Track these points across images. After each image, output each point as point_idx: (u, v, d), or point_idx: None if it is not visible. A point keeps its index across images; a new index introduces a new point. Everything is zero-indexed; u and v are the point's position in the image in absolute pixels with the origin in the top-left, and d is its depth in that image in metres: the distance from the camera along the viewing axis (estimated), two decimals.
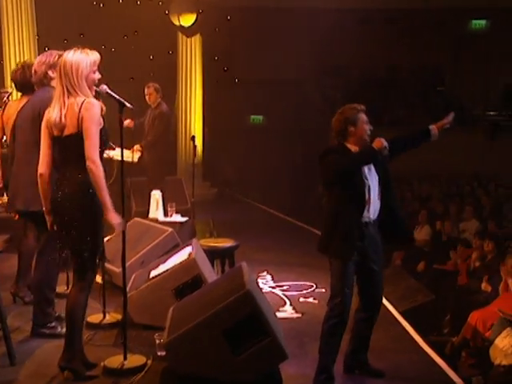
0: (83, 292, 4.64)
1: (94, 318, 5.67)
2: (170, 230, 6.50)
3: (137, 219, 7.08)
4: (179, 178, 10.57)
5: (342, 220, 4.91)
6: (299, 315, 6.98)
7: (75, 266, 4.67)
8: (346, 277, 4.94)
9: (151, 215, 8.21)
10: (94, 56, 4.64)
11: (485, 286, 8.92)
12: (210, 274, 5.63)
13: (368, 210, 4.93)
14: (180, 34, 13.76)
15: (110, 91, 4.84)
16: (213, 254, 6.14)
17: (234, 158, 16.89)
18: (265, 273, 8.50)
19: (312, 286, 8.00)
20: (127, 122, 9.04)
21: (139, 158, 8.96)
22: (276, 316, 4.78)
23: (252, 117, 20.19)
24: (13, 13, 12.13)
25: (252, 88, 17.73)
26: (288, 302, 7.37)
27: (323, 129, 17.68)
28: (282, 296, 7.60)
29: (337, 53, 19.27)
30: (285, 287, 7.95)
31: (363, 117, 4.97)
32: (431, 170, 16.32)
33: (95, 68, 4.65)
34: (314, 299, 7.48)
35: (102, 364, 4.75)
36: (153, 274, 5.48)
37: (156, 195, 8.31)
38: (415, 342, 6.37)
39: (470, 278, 9.54)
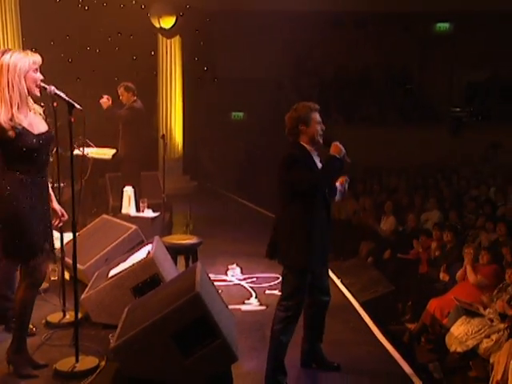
0: (28, 290, 4.32)
1: (54, 316, 5.30)
2: (134, 227, 6.14)
3: (105, 216, 6.72)
4: (155, 174, 10.20)
5: (311, 232, 4.63)
6: (263, 307, 6.70)
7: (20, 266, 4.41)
8: (304, 284, 4.70)
9: (124, 211, 7.88)
10: (34, 57, 4.26)
11: (443, 276, 8.64)
12: (171, 271, 5.30)
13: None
14: (160, 36, 13.39)
15: (58, 92, 4.46)
16: (176, 251, 5.77)
17: (214, 152, 16.57)
18: (234, 265, 8.19)
19: (278, 278, 7.65)
20: (102, 101, 8.60)
21: (114, 155, 8.57)
22: (229, 313, 4.39)
23: (233, 113, 19.79)
24: None
25: (232, 86, 17.35)
26: (254, 295, 7.09)
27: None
28: (249, 288, 7.30)
29: (312, 53, 19.00)
30: (252, 279, 7.62)
31: (316, 116, 4.66)
32: (399, 163, 16.00)
33: (35, 67, 4.25)
34: (279, 291, 7.13)
35: (53, 366, 4.37)
36: (112, 272, 5.11)
37: (128, 191, 7.96)
38: (373, 333, 6.12)
39: (430, 266, 9.25)
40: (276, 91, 18.57)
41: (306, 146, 4.61)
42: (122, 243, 5.87)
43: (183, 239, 5.95)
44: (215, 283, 7.45)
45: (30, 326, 5.05)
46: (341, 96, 18.72)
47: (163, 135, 9.29)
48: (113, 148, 8.79)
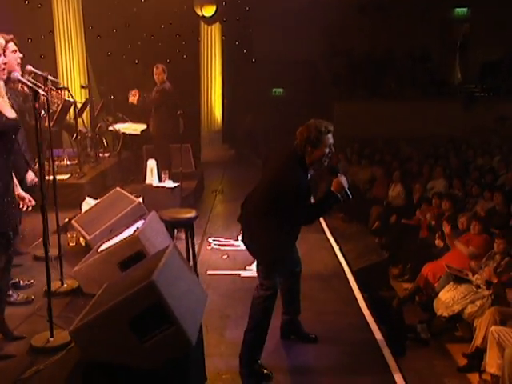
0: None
1: (52, 285, 4.82)
2: (138, 201, 5.61)
3: (117, 189, 6.17)
4: (187, 146, 9.62)
5: (286, 244, 4.23)
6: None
7: None
8: (278, 266, 4.19)
9: (147, 181, 7.41)
10: None
11: (438, 242, 7.87)
12: (162, 246, 4.69)
13: None
14: (202, 23, 12.70)
15: (21, 78, 3.89)
16: (172, 225, 5.19)
17: (251, 123, 15.91)
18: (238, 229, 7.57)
19: None
20: (131, 99, 8.20)
21: (145, 131, 8.05)
22: (199, 293, 3.78)
23: (274, 89, 18.99)
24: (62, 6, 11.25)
25: (270, 67, 16.53)
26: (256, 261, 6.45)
27: (329, 101, 16.79)
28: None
29: (341, 37, 18.04)
30: None
31: (327, 139, 3.88)
32: (415, 134, 15.02)
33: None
34: None
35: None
36: (102, 247, 4.59)
37: (151, 164, 7.43)
38: (358, 304, 5.43)
39: (430, 232, 8.50)
40: (310, 70, 17.63)
41: (308, 164, 3.92)
42: (126, 216, 5.34)
43: (180, 213, 5.35)
44: (224, 248, 6.95)
45: (30, 295, 4.64)
46: (366, 74, 17.70)
47: (181, 113, 8.56)
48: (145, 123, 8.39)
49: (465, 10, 18.29)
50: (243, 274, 6.02)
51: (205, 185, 10.28)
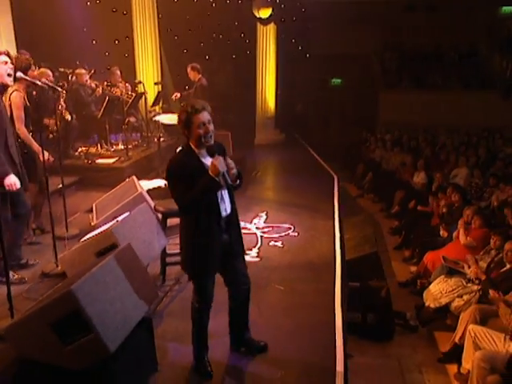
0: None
1: (48, 267, 4.50)
2: (139, 191, 5.13)
3: (133, 177, 5.72)
4: (227, 133, 9.04)
5: (200, 243, 3.16)
6: (257, 260, 5.45)
7: None
8: (207, 282, 3.29)
9: None
10: None
11: (442, 232, 6.95)
12: (145, 237, 4.23)
13: (222, 212, 3.19)
14: (258, 24, 11.93)
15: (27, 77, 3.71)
16: (165, 216, 4.68)
17: (302, 110, 15.09)
18: (264, 213, 6.96)
19: (290, 229, 6.38)
20: (174, 96, 7.77)
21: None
22: (142, 295, 3.24)
23: (332, 80, 17.89)
24: (140, 13, 10.92)
25: (328, 59, 15.47)
26: (258, 245, 5.84)
27: (377, 91, 15.60)
28: (259, 238, 6.08)
29: (393, 33, 16.67)
30: (267, 229, 6.38)
31: (196, 119, 3.01)
32: (454, 123, 13.60)
33: None
34: (282, 244, 5.88)
35: None
36: (86, 236, 4.17)
37: (178, 150, 6.89)
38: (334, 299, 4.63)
39: (441, 221, 7.52)
40: (363, 63, 16.37)
41: (194, 148, 3.11)
42: (128, 205, 4.89)
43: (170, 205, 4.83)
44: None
45: (24, 276, 4.34)
46: (413, 67, 16.17)
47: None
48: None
49: (511, 8, 16.21)
50: None
51: (248, 167, 9.65)
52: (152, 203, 5.01)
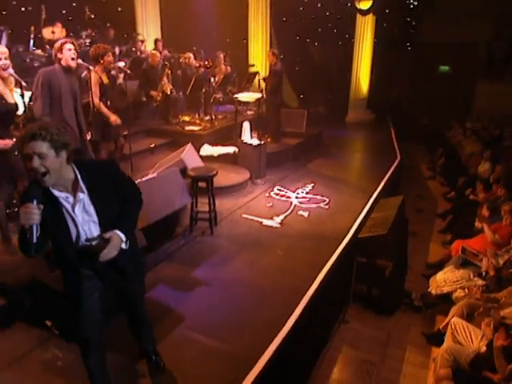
0: None
1: None
2: (180, 157, 5.11)
3: (189, 145, 5.66)
4: (303, 111, 8.56)
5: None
6: (277, 226, 5.21)
7: None
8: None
9: (242, 138, 6.79)
10: None
11: (477, 224, 5.91)
12: (171, 193, 4.28)
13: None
14: (358, 14, 10.88)
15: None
16: (195, 179, 4.68)
17: (398, 94, 13.56)
18: (311, 185, 6.58)
19: (324, 201, 5.97)
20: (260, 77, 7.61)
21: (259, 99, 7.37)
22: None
23: (441, 67, 15.81)
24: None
25: (437, 47, 13.61)
26: (286, 213, 5.56)
27: (475, 85, 13.43)
28: (292, 206, 5.79)
29: (505, 23, 13.98)
30: (305, 199, 6.05)
31: (25, 148, 1.97)
32: None
33: None
34: (308, 215, 5.55)
35: None
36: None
37: (245, 125, 6.79)
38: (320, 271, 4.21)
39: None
40: (470, 52, 14.12)
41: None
42: (170, 166, 4.94)
43: (202, 171, 4.78)
44: (277, 196, 6.11)
45: None
46: None
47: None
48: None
49: None
50: (265, 222, 5.25)
51: (324, 142, 9.15)
52: (190, 167, 4.99)
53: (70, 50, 4.11)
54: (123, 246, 2.24)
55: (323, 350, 4.27)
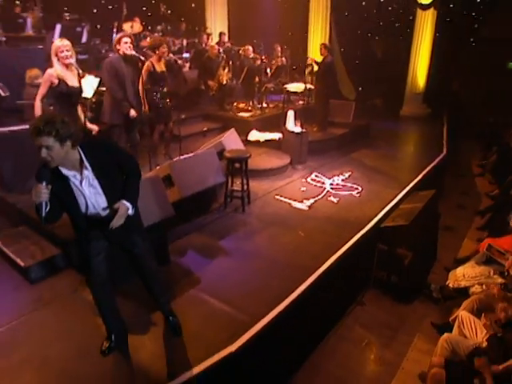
0: None
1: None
2: (220, 140, 5.25)
3: (232, 129, 5.76)
4: (351, 103, 8.28)
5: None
6: (305, 209, 5.21)
7: None
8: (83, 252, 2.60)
9: (286, 125, 6.78)
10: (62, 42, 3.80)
11: (511, 223, 5.44)
12: (205, 172, 4.47)
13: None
14: (418, 9, 10.18)
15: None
16: (231, 161, 4.82)
17: (459, 88, 12.48)
18: (348, 173, 6.44)
19: (356, 189, 5.85)
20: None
21: (309, 89, 7.30)
22: None
23: (510, 63, 14.36)
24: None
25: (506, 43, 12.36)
26: (317, 198, 5.52)
27: None
28: (324, 192, 5.73)
29: None
30: (338, 186, 5.95)
31: (35, 142, 2.17)
32: None
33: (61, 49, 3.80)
34: (338, 201, 5.47)
35: None
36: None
37: (289, 114, 6.76)
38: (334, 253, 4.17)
39: None
40: None
41: None
42: (210, 147, 5.11)
43: (237, 153, 4.88)
44: (313, 182, 6.04)
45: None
46: None
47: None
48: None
49: None
50: (294, 204, 5.27)
51: (372, 133, 8.81)
52: (227, 149, 5.12)
53: (126, 42, 4.41)
54: (130, 212, 2.46)
55: (334, 326, 4.28)
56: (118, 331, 2.88)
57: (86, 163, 2.34)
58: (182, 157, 4.51)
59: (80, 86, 3.91)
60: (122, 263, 2.87)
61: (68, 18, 7.03)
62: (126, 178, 2.50)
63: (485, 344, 3.37)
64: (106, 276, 2.62)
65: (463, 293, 4.53)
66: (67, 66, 3.82)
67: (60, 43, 3.76)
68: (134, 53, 4.48)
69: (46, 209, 2.18)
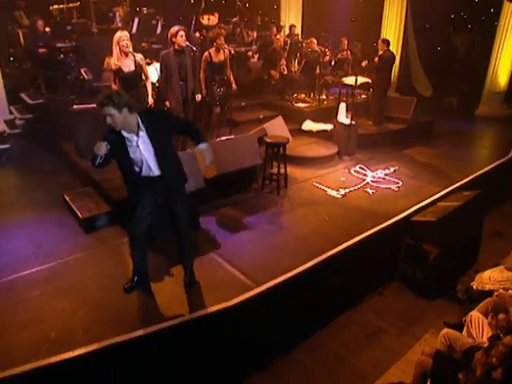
0: None
1: None
2: (263, 127, 5.47)
3: (279, 117, 5.93)
4: (412, 98, 7.89)
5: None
6: (338, 197, 5.28)
7: None
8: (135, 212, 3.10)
9: (337, 117, 6.79)
10: (122, 33, 4.31)
11: None
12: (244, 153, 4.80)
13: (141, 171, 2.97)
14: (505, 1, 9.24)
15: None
16: (270, 145, 5.08)
17: None
18: (393, 168, 6.29)
19: (396, 184, 5.73)
20: (364, 63, 7.31)
21: (366, 83, 7.21)
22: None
23: None
24: None
25: None
26: (354, 188, 5.53)
27: None
28: (362, 184, 5.69)
29: None
30: (379, 179, 5.86)
31: (102, 111, 2.77)
32: None
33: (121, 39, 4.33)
34: (373, 193, 5.43)
35: None
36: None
37: (341, 106, 6.74)
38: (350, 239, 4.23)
39: None
40: None
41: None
42: (254, 132, 5.39)
43: (276, 139, 5.08)
44: (355, 174, 6.02)
45: None
46: None
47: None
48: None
49: None
50: (329, 191, 5.36)
51: (434, 131, 8.31)
52: (269, 134, 5.37)
53: (181, 36, 4.84)
54: (205, 146, 3.04)
55: (347, 311, 4.37)
56: (140, 276, 3.39)
57: (142, 126, 2.84)
58: (223, 137, 4.88)
59: (136, 70, 4.45)
60: (163, 220, 3.31)
61: (145, 12, 7.75)
62: (188, 132, 3.09)
63: (486, 344, 3.26)
64: (144, 230, 3.09)
65: (487, 296, 4.31)
66: (126, 54, 4.37)
67: (121, 34, 4.31)
68: (187, 43, 4.90)
69: (100, 159, 2.77)
